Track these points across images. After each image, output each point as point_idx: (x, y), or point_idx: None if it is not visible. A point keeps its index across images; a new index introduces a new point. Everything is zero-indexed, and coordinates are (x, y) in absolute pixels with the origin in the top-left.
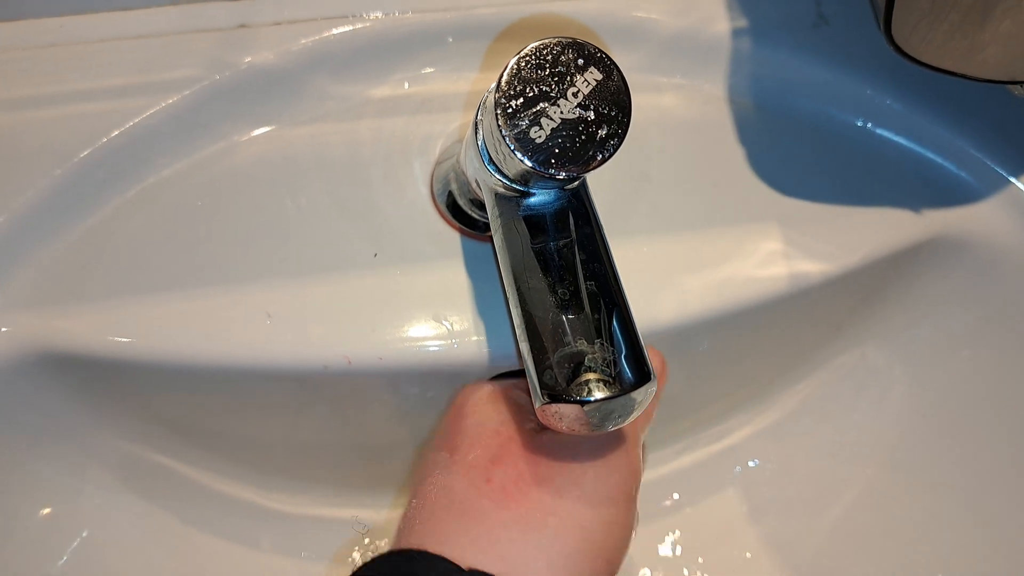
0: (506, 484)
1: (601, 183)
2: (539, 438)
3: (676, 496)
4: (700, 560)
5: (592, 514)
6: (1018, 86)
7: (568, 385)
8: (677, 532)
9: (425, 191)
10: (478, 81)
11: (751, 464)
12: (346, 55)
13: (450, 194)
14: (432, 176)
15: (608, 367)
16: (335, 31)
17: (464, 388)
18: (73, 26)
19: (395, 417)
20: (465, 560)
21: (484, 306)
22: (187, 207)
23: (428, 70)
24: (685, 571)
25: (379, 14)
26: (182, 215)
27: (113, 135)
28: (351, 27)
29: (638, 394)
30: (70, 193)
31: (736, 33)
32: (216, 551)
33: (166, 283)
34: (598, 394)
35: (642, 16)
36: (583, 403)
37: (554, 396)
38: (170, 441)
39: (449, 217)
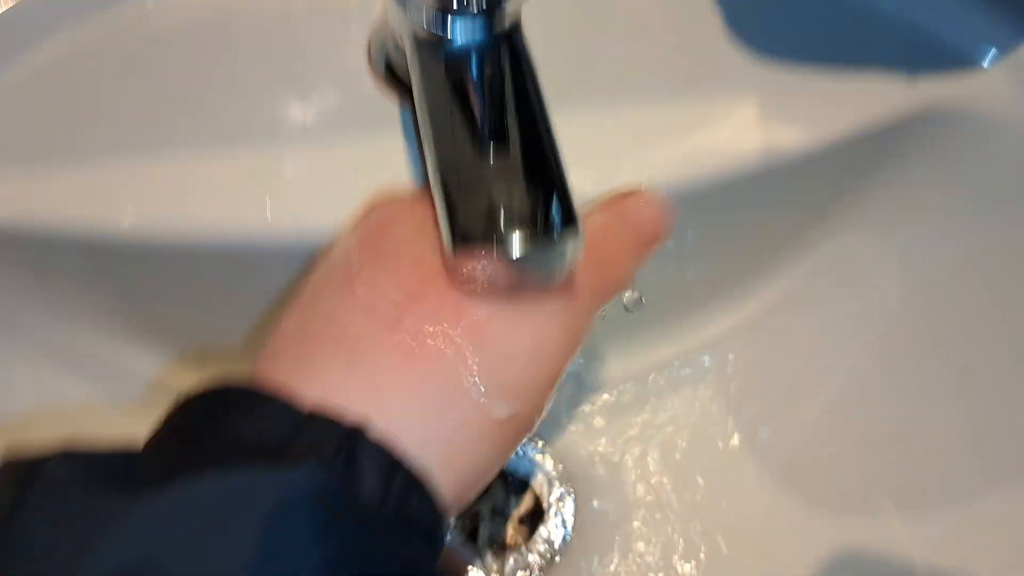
0: (417, 332)
1: (551, 45)
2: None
3: (651, 378)
4: (677, 456)
5: (507, 381)
6: None
7: (484, 234)
8: (649, 429)
9: (363, 56)
10: None
11: (729, 357)
12: None
13: (387, 59)
14: (370, 41)
15: (532, 215)
16: None
17: (384, 199)
18: None
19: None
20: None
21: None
22: (106, 67)
23: None
24: (653, 462)
25: None
26: (100, 78)
27: None
28: None
29: (564, 244)
30: None
31: None
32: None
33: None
34: (517, 244)
35: None
36: (502, 253)
37: (466, 244)
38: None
39: (387, 83)
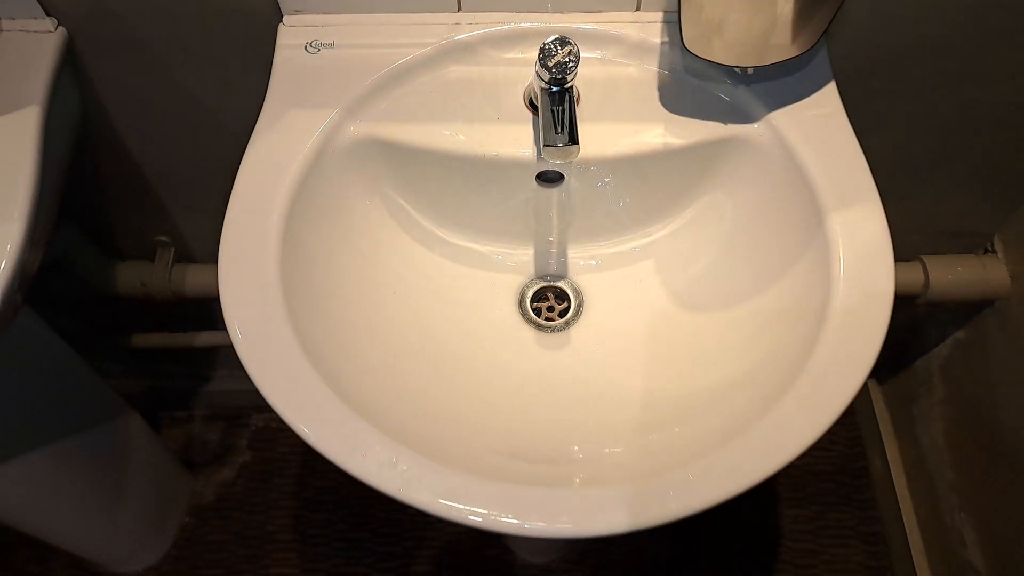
0: None
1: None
2: None
3: (594, 263)
4: (627, 290)
5: None
6: (747, 68)
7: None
8: (612, 277)
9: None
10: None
11: (652, 248)
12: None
13: (530, 99)
14: (524, 92)
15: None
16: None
17: None
18: None
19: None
20: None
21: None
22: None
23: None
24: (617, 290)
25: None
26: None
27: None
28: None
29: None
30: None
31: None
32: (402, 246)
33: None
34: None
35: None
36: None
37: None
38: (411, 191)
39: (529, 108)
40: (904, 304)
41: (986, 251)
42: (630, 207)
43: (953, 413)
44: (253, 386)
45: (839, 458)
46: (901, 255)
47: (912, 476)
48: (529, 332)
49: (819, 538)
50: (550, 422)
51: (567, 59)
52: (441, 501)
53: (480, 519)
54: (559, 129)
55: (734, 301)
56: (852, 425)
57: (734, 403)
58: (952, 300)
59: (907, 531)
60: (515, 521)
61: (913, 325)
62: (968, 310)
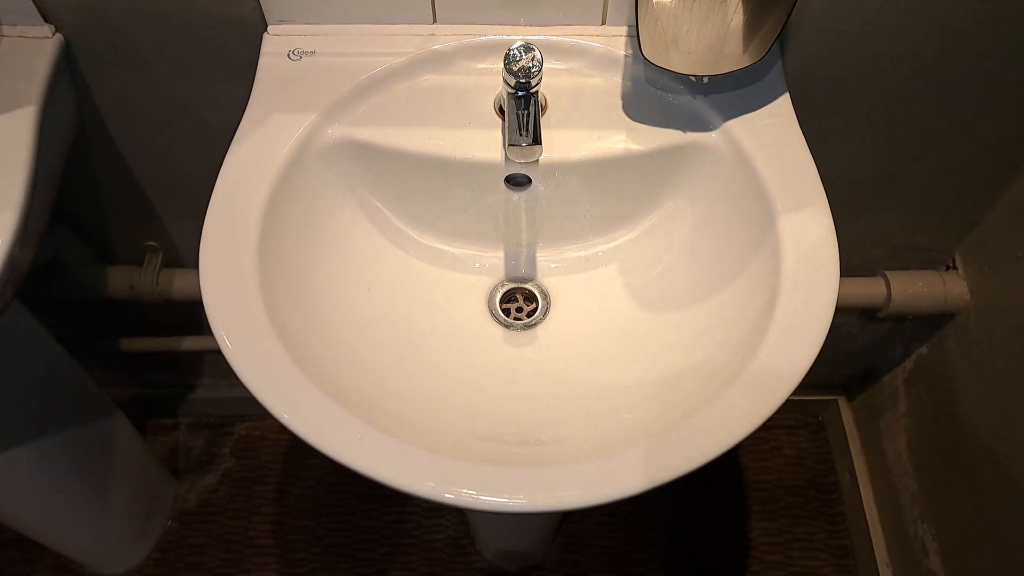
0: None
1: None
2: None
3: (561, 266)
4: (594, 291)
5: None
6: (703, 78)
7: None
8: (580, 276)
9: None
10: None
11: (617, 252)
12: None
13: (500, 106)
14: (495, 100)
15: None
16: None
17: None
18: None
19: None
20: None
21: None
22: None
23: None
24: (585, 292)
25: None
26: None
27: None
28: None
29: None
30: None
31: None
32: (376, 247)
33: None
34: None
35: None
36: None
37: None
38: (386, 193)
39: (498, 114)
40: (869, 318)
41: (948, 267)
42: (595, 212)
43: (915, 426)
44: (237, 395)
45: (809, 472)
46: (865, 270)
47: (878, 488)
48: (497, 330)
49: (788, 550)
50: (513, 409)
51: (531, 64)
52: (401, 475)
53: (438, 491)
54: (523, 132)
55: (690, 300)
56: (822, 441)
57: (684, 390)
58: (913, 313)
59: (873, 543)
60: (472, 493)
61: (881, 342)
62: (930, 326)
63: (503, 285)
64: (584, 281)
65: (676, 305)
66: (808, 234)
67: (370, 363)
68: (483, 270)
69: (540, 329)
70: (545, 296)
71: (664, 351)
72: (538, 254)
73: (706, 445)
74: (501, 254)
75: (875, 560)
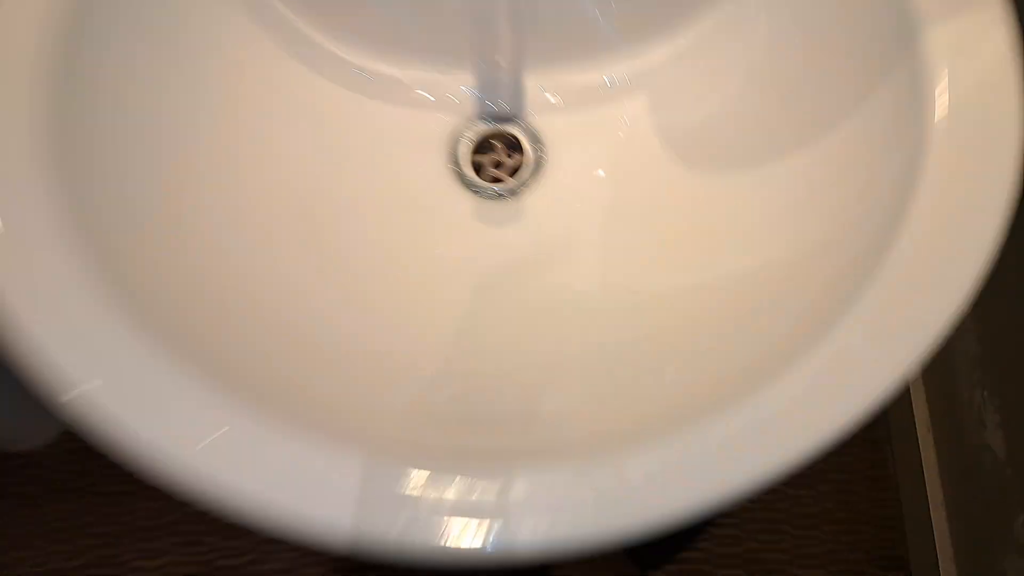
0: None
1: None
2: None
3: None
4: (616, 133)
5: None
6: None
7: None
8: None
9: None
10: None
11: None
12: None
13: None
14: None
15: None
16: None
17: None
18: None
19: None
20: None
21: None
22: None
23: None
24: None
25: None
26: None
27: None
28: None
29: None
30: None
31: None
32: (268, 67)
33: None
34: None
35: None
36: None
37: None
38: None
39: None
40: None
41: None
42: (616, 11)
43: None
44: None
45: None
46: None
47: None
48: (465, 198)
49: None
50: (485, 347)
51: None
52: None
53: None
54: None
55: (767, 158)
56: None
57: (769, 322)
58: None
59: (915, 409)
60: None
61: None
62: None
63: (473, 125)
64: (596, 121)
65: (742, 164)
66: (976, 54)
67: (250, 270)
68: (443, 103)
69: (529, 198)
70: (537, 143)
71: (727, 244)
72: (526, 77)
73: (810, 430)
74: (470, 76)
75: (915, 429)
